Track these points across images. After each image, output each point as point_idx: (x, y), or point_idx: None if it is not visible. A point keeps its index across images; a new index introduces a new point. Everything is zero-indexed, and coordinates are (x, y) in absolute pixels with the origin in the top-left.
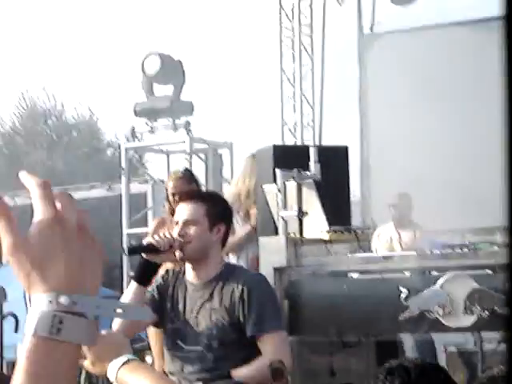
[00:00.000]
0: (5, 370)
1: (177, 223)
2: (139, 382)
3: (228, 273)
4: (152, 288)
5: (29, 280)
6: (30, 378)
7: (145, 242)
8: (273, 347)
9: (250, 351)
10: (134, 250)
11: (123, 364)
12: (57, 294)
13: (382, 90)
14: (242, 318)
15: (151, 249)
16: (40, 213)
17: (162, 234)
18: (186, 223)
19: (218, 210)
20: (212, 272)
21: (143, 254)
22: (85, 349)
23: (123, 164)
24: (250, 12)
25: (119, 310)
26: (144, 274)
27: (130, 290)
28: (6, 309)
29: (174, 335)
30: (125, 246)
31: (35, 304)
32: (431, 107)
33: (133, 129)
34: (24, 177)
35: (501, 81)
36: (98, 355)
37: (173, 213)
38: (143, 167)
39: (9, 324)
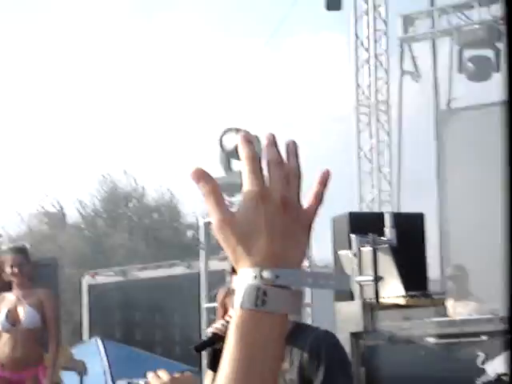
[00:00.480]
0: None
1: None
2: None
3: (298, 332)
4: None
5: (235, 255)
6: (242, 349)
7: (209, 331)
8: None
9: None
10: (201, 347)
11: None
12: (261, 268)
13: (459, 164)
14: (311, 376)
15: (216, 338)
16: (247, 187)
17: (222, 321)
18: None
19: None
20: None
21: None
22: None
23: (202, 239)
24: (326, 90)
25: (321, 281)
26: (216, 362)
27: (208, 379)
28: (86, 383)
29: None
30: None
31: (241, 278)
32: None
33: None
34: (241, 143)
35: None
36: None
37: None
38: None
39: None
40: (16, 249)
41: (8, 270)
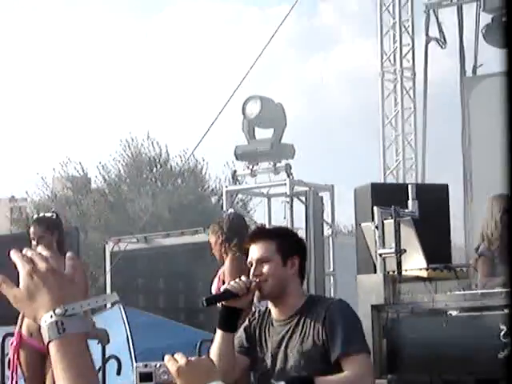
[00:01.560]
0: None
1: (251, 264)
2: None
3: (311, 303)
4: (240, 333)
5: (33, 313)
6: (66, 372)
7: (223, 287)
8: (356, 368)
9: None
10: (211, 301)
11: None
12: (52, 309)
13: (484, 132)
14: (326, 344)
15: (228, 296)
16: (20, 270)
17: (237, 279)
18: (260, 262)
19: (289, 244)
20: (295, 305)
21: (223, 302)
22: (174, 376)
23: (225, 207)
24: (351, 55)
25: (96, 301)
26: (227, 321)
27: (217, 338)
28: (108, 352)
29: (266, 375)
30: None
31: (43, 323)
32: None
33: (234, 172)
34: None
35: None
36: (188, 382)
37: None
38: (246, 212)
39: (112, 367)
40: (38, 220)
41: (33, 242)
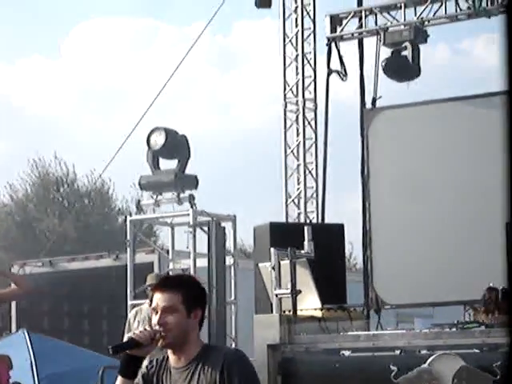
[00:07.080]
0: None
1: (156, 312)
2: None
3: (207, 351)
4: (138, 379)
5: None
6: None
7: (126, 338)
8: None
9: None
10: (117, 349)
11: None
12: None
13: (382, 162)
14: None
15: (133, 344)
16: None
17: (142, 329)
18: (164, 312)
19: (194, 296)
20: (192, 353)
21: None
22: None
23: (129, 237)
24: (255, 86)
25: None
26: (129, 368)
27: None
28: (13, 377)
29: None
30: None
31: None
32: (431, 179)
33: (138, 202)
34: None
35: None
36: None
37: None
38: (152, 238)
39: None
40: None
41: None
